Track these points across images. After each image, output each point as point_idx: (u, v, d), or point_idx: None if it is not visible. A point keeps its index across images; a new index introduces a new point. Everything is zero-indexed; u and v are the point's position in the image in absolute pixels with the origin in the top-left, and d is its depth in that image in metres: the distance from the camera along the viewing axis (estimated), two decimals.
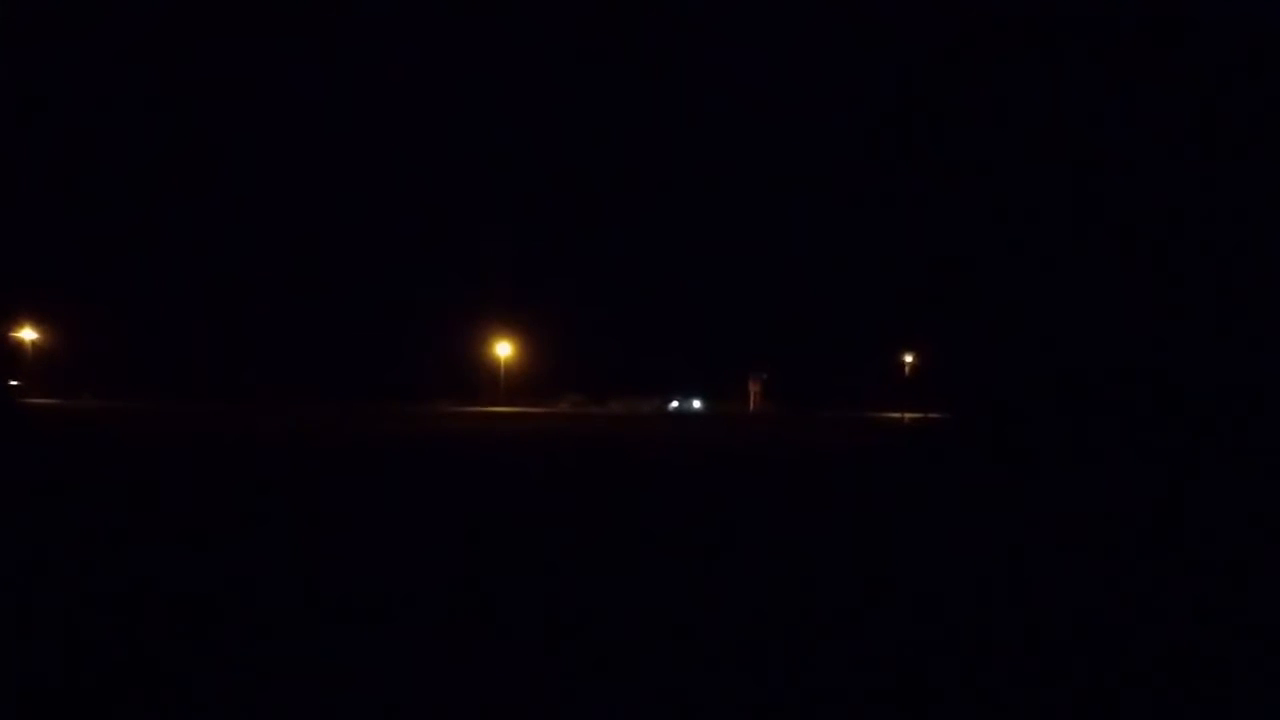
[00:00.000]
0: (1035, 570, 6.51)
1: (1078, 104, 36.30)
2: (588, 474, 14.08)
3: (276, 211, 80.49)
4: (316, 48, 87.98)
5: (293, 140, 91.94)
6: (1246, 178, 27.02)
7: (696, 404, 78.28)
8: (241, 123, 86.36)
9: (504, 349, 72.38)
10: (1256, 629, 4.93)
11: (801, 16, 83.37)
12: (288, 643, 4.27)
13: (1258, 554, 7.47)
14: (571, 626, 4.62)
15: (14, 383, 59.11)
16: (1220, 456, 18.93)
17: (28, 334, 66.18)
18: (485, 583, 5.63)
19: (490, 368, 72.25)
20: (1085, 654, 4.33)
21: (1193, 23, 29.57)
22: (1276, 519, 9.75)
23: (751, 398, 78.14)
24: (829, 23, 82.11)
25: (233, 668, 3.86)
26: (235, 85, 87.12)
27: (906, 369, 73.73)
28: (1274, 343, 24.68)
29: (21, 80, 66.66)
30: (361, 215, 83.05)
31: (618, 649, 4.23)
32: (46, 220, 70.53)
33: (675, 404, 77.49)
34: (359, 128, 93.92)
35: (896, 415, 57.20)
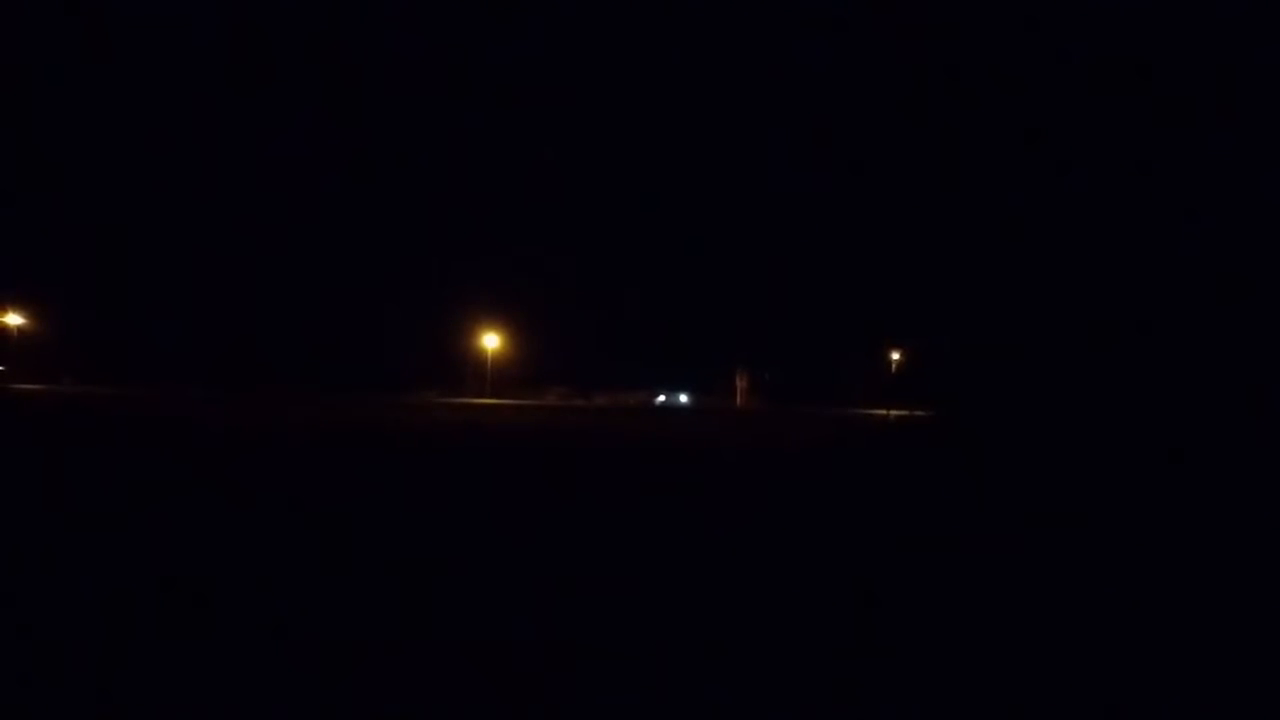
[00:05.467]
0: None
1: (1064, 110, 36.53)
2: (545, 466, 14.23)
3: (260, 201, 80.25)
4: (302, 37, 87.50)
5: (279, 130, 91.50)
6: (1222, 184, 27.35)
7: (683, 398, 78.48)
8: (229, 112, 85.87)
9: (491, 341, 72.33)
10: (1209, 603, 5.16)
11: (790, 12, 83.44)
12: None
13: (1220, 544, 7.71)
14: None
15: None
16: (1193, 451, 19.22)
17: (12, 319, 65.55)
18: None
19: (477, 360, 72.20)
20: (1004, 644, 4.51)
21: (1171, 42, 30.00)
22: (1233, 511, 9.98)
23: (738, 393, 78.45)
24: (817, 20, 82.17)
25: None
26: (225, 75, 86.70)
27: (893, 366, 74.16)
28: (1240, 343, 25.03)
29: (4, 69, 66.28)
30: (348, 206, 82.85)
31: None
32: (29, 207, 70.13)
33: (662, 398, 77.67)
34: (349, 119, 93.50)
35: (882, 412, 57.60)
